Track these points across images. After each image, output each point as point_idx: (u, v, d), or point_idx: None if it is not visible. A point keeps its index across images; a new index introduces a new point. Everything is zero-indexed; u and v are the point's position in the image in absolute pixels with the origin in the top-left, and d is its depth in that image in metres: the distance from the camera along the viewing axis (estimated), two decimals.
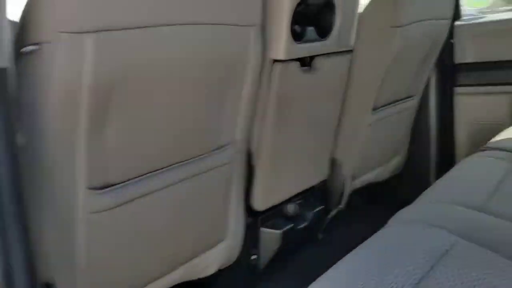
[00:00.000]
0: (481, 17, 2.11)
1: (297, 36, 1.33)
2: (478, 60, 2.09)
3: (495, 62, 2.05)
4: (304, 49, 1.37)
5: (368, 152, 1.86)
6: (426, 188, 2.26)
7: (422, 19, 1.73)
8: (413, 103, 2.05)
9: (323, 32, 1.43)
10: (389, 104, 1.88)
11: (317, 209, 1.68)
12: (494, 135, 2.04)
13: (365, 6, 1.63)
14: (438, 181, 1.23)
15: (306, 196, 1.65)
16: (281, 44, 1.28)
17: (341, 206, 1.82)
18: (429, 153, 2.21)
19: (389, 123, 1.91)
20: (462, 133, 2.15)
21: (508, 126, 2.01)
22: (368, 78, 1.69)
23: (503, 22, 2.05)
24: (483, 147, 1.53)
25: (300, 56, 1.36)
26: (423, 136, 2.21)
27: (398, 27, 1.60)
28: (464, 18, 2.14)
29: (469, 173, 1.24)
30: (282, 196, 1.52)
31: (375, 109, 1.77)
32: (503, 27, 2.03)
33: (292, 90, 1.38)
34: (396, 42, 1.64)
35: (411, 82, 1.97)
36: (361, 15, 1.61)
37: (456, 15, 2.10)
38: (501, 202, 1.07)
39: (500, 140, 1.57)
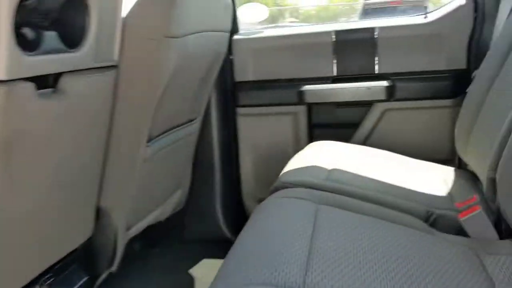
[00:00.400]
0: (259, 32, 1.95)
1: (28, 45, 0.87)
2: (258, 78, 1.92)
3: (274, 81, 1.90)
4: (43, 64, 0.92)
5: (146, 193, 1.49)
6: (212, 222, 2.04)
7: (200, 30, 1.45)
8: (194, 127, 1.75)
9: (72, 40, 1.01)
10: (168, 131, 1.54)
11: (80, 283, 1.22)
12: (280, 159, 1.90)
13: (130, 9, 1.25)
14: (235, 247, 0.92)
15: (62, 268, 1.19)
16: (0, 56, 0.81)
17: (113, 268, 1.40)
18: (214, 182, 1.95)
19: (169, 153, 1.58)
20: (247, 157, 1.96)
21: (292, 149, 1.89)
22: (140, 102, 1.32)
23: (277, 38, 1.92)
24: (278, 182, 1.31)
25: (35, 74, 0.91)
26: (206, 164, 1.94)
27: (173, 37, 1.27)
28: (242, 32, 1.96)
29: (272, 229, 0.97)
30: (21, 281, 1.03)
31: (150, 139, 1.41)
32: (278, 43, 1.90)
33: (25, 124, 0.91)
34: (172, 56, 1.31)
35: (192, 103, 1.68)
36: (126, 20, 1.23)
37: (234, 28, 1.90)
38: (321, 273, 0.82)
39: (293, 172, 1.37)
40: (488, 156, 1.18)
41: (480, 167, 1.28)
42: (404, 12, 8.89)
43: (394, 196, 1.25)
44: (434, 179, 1.45)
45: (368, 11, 9.10)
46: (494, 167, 1.11)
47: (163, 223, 1.81)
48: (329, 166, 1.42)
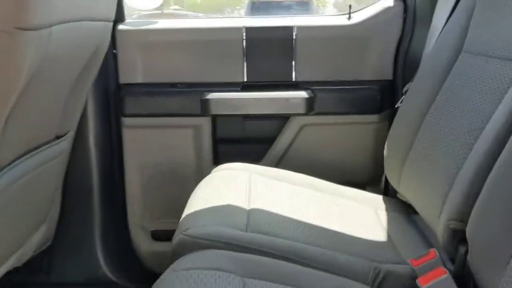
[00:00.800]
0: (150, 22, 1.57)
1: None
2: (150, 81, 1.54)
3: (171, 85, 1.54)
4: None
5: None
6: (89, 260, 1.61)
7: (70, 19, 1.04)
8: (64, 145, 1.33)
9: None
10: (24, 155, 1.11)
11: None
12: (177, 183, 1.56)
13: None
14: None
15: None
16: None
17: None
18: (92, 211, 1.54)
19: (26, 185, 1.15)
20: (135, 180, 1.57)
21: (193, 169, 1.56)
22: None
23: (174, 31, 1.56)
24: (180, 235, 0.96)
25: None
26: (81, 188, 1.52)
27: (27, 29, 0.87)
28: (129, 21, 1.55)
29: None
30: None
31: None
32: (175, 38, 1.54)
33: None
34: (27, 54, 0.91)
35: (61, 114, 1.26)
36: None
37: (119, 16, 1.49)
38: None
39: (200, 215, 1.04)
40: (441, 199, 0.96)
41: (428, 210, 1.06)
42: (289, 8, 8.93)
43: (331, 250, 0.98)
44: (367, 216, 1.22)
45: (255, 5, 8.96)
46: (460, 218, 0.88)
47: (22, 267, 1.37)
48: (245, 202, 1.11)
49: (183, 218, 1.05)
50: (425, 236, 1.14)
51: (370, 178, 1.55)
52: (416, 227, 1.19)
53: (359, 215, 1.20)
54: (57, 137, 1.28)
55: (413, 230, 1.18)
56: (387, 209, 1.28)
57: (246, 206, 1.09)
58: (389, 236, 1.12)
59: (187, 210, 1.10)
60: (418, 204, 1.12)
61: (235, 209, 1.06)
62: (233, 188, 1.19)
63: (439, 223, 0.96)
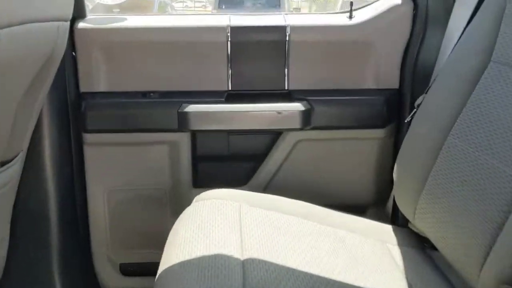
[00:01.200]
0: (117, 19, 1.33)
1: None
2: (116, 89, 1.31)
3: (142, 94, 1.31)
4: None
5: None
6: None
7: (16, 21, 0.81)
8: (12, 172, 1.09)
9: None
10: None
11: None
12: (150, 208, 1.34)
13: None
14: None
15: None
16: None
17: None
18: (49, 241, 1.31)
19: None
20: (100, 206, 1.35)
21: (169, 193, 1.35)
22: None
23: (145, 30, 1.32)
24: None
25: None
26: (36, 216, 1.29)
27: None
28: (90, 18, 1.31)
29: None
30: None
31: None
32: (146, 38, 1.30)
33: None
34: None
35: (8, 134, 1.02)
36: None
37: (79, 12, 1.25)
38: None
39: (182, 270, 0.83)
40: (480, 251, 0.78)
41: (460, 260, 0.88)
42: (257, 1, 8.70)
43: None
44: (379, 256, 1.03)
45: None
46: None
47: None
48: (238, 249, 0.91)
49: (161, 274, 0.84)
50: (450, 281, 0.97)
51: (373, 201, 1.37)
52: (436, 269, 1.02)
53: (371, 257, 1.01)
54: (3, 164, 1.04)
55: (434, 273, 1.00)
56: (399, 244, 1.10)
57: (239, 254, 0.89)
58: (409, 284, 0.94)
59: (165, 261, 0.88)
60: (444, 248, 0.94)
61: (227, 261, 0.85)
62: (222, 226, 0.98)
63: (480, 280, 0.78)
